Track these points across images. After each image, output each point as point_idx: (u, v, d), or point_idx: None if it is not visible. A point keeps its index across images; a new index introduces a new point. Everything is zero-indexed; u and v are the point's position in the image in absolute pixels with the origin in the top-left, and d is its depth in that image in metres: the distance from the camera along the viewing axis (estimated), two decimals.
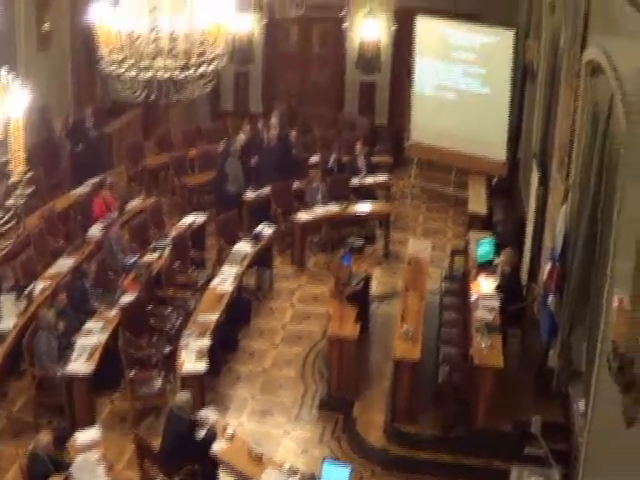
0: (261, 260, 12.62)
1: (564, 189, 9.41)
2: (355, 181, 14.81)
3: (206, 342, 9.85)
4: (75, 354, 9.59)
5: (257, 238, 12.62)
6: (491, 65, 14.92)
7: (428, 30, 15.55)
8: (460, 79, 15.32)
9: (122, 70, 6.63)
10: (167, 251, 12.06)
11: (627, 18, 6.47)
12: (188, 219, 13.15)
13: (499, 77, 14.80)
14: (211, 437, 8.36)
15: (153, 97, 6.80)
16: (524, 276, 11.56)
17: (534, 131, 12.62)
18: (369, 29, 17.39)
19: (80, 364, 9.45)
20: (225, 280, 11.38)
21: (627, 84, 6.77)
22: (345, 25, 17.58)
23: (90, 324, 10.20)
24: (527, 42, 14.41)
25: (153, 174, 15.53)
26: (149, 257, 11.96)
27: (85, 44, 14.86)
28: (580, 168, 8.92)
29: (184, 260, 12.29)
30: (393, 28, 17.42)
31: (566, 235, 8.95)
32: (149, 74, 6.67)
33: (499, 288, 10.67)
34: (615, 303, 6.04)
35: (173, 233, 12.65)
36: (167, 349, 10.30)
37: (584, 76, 8.78)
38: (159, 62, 6.70)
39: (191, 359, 9.54)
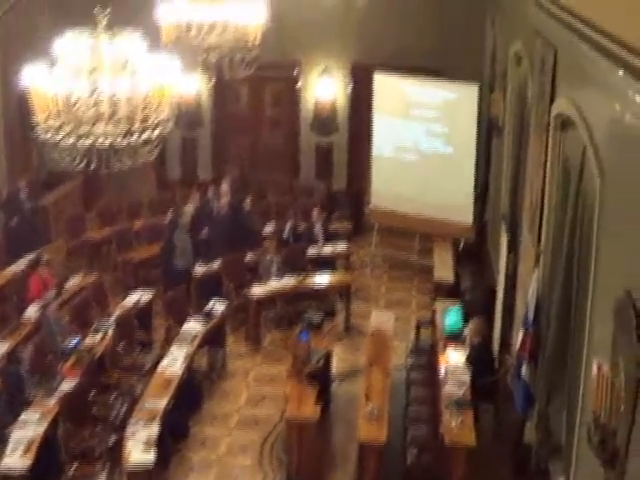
0: (213, 339, 12.56)
1: (535, 252, 9.54)
2: (312, 251, 14.94)
3: (154, 430, 9.72)
4: (10, 448, 9.38)
5: (208, 316, 12.59)
6: (454, 122, 15.27)
7: (387, 87, 15.91)
8: (422, 138, 15.65)
9: (59, 137, 6.69)
10: (111, 332, 11.94)
11: (597, 68, 6.62)
12: (133, 297, 13.08)
13: (463, 135, 15.14)
14: None
15: (93, 166, 6.85)
16: (496, 346, 11.64)
17: (502, 191, 12.82)
18: (324, 88, 17.76)
19: (15, 459, 9.24)
20: (174, 362, 11.28)
21: (599, 137, 6.90)
22: (299, 84, 17.93)
23: (26, 415, 10.00)
24: (492, 96, 14.76)
25: (95, 249, 15.47)
26: (91, 339, 11.82)
27: (19, 109, 14.91)
28: (552, 228, 9.06)
29: (129, 341, 12.18)
30: (350, 86, 17.78)
31: (539, 300, 9.05)
32: (89, 141, 6.73)
33: (469, 360, 10.74)
34: (594, 370, 6.12)
35: (117, 312, 12.56)
36: (112, 440, 10.12)
37: (554, 130, 8.96)
38: (99, 128, 6.78)
39: (138, 450, 9.39)
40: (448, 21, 16.75)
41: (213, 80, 17.69)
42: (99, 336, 11.88)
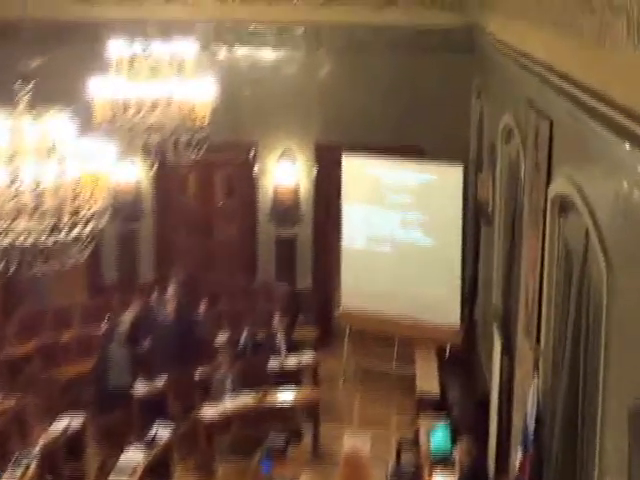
0: (157, 471, 12.40)
1: (534, 355, 9.55)
2: (274, 363, 14.92)
3: None
4: None
5: (151, 443, 12.47)
6: (435, 209, 15.50)
7: (357, 171, 16.17)
8: (398, 229, 15.84)
9: None
10: (34, 465, 11.75)
11: (600, 140, 6.66)
12: (61, 423, 12.91)
13: (446, 223, 15.34)
14: None
15: (14, 269, 6.81)
16: (491, 469, 11.55)
17: (493, 286, 12.91)
18: (285, 173, 17.89)
19: None
20: None
21: (604, 219, 6.92)
22: (255, 169, 18.09)
23: None
24: (479, 177, 14.98)
25: (15, 366, 15.27)
26: (10, 475, 11.60)
27: None
28: (553, 328, 9.06)
29: (57, 476, 12.01)
30: (314, 170, 17.96)
31: (539, 413, 9.02)
32: (8, 239, 6.71)
33: None
34: None
35: (42, 442, 12.36)
36: None
37: (551, 213, 9.01)
38: (21, 224, 6.76)
39: None
40: (427, 93, 17.12)
41: (155, 166, 17.52)
42: (20, 471, 11.68)
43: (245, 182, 18.29)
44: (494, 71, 13.81)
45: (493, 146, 13.55)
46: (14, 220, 6.72)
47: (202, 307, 15.86)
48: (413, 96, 17.17)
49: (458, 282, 15.35)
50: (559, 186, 8.64)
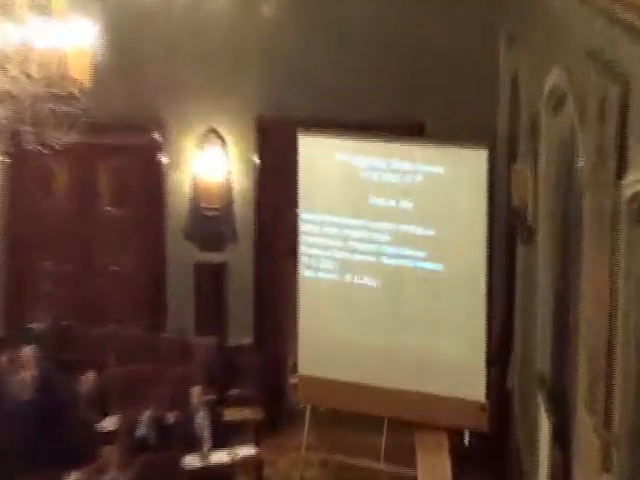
0: None
1: (603, 444, 9.42)
2: (192, 461, 14.85)
3: None
4: None
5: None
6: (445, 218, 15.26)
7: (322, 159, 15.98)
8: (387, 249, 15.64)
9: None
10: None
11: None
12: None
13: (462, 240, 15.13)
14: None
15: None
16: None
17: (537, 337, 12.82)
18: (209, 164, 17.85)
19: None
20: None
21: None
22: (163, 159, 18.04)
23: None
24: (513, 168, 14.77)
25: None
26: None
27: None
28: (633, 400, 8.94)
29: None
30: (255, 159, 17.93)
31: None
32: None
33: None
34: None
35: None
36: None
37: (628, 222, 8.90)
38: None
39: None
40: (430, 40, 17.11)
41: (5, 154, 17.58)
42: None
43: (147, 178, 18.27)
44: (535, 8, 13.77)
45: (535, 120, 13.45)
46: None
47: (79, 376, 15.75)
48: (408, 45, 17.16)
49: (482, 331, 15.14)
50: (638, 182, 8.54)
